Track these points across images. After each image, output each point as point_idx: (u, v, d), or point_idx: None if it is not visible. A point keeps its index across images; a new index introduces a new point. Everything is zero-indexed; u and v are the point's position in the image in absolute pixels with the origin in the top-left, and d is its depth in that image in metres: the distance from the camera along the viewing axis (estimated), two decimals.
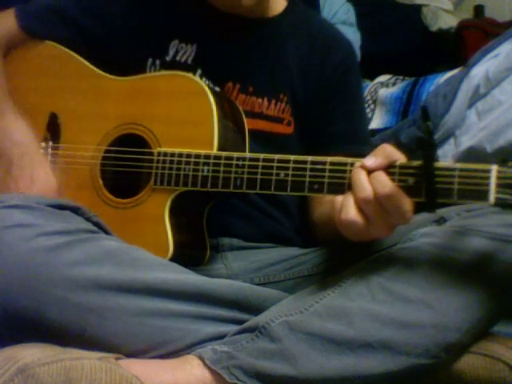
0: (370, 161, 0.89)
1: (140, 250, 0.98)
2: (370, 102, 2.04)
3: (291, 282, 1.12)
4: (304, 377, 0.89)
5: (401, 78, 2.12)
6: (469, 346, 0.93)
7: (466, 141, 1.69)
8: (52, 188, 1.11)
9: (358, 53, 2.53)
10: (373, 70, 2.20)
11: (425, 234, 0.97)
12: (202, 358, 0.90)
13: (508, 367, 0.92)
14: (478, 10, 2.79)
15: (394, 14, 2.73)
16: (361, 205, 0.89)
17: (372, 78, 2.16)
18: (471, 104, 1.72)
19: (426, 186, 0.87)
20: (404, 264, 0.95)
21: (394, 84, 2.09)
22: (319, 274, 1.09)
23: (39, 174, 1.11)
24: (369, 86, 2.09)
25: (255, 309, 0.98)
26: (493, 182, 0.83)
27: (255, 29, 1.22)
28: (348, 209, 0.89)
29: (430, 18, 2.69)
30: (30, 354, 0.81)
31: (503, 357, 0.93)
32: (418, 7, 2.76)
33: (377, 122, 1.98)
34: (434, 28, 2.68)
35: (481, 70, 1.73)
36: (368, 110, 2.01)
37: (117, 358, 0.87)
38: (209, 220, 1.13)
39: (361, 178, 0.89)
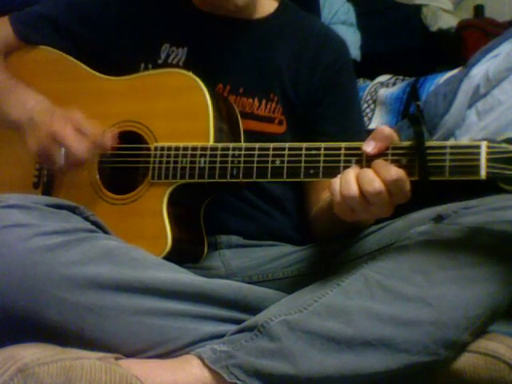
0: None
1: (139, 250, 0.98)
2: (370, 101, 2.03)
3: (290, 279, 1.12)
4: (304, 375, 0.89)
5: (401, 78, 2.11)
6: (468, 344, 0.93)
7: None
8: (74, 114, 1.09)
9: (358, 53, 2.54)
10: (373, 69, 2.20)
11: (423, 232, 0.97)
12: (201, 358, 0.90)
13: (508, 367, 0.92)
14: (478, 10, 2.78)
15: (394, 13, 2.72)
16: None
17: (372, 78, 2.15)
18: (471, 104, 1.72)
19: (419, 164, 0.88)
20: (402, 262, 0.95)
21: (394, 84, 2.08)
22: (318, 272, 1.09)
23: (56, 112, 1.11)
24: (369, 86, 2.09)
25: (254, 308, 0.99)
26: (483, 157, 0.86)
27: (245, 30, 1.23)
28: (350, 185, 0.90)
29: (430, 18, 2.69)
30: (30, 353, 0.81)
31: (504, 356, 0.93)
32: (418, 7, 2.75)
33: (377, 122, 1.97)
34: (433, 28, 2.67)
35: (481, 70, 1.73)
36: (368, 110, 2.01)
37: (117, 358, 0.87)
38: (206, 218, 1.14)
39: (369, 175, 0.89)
